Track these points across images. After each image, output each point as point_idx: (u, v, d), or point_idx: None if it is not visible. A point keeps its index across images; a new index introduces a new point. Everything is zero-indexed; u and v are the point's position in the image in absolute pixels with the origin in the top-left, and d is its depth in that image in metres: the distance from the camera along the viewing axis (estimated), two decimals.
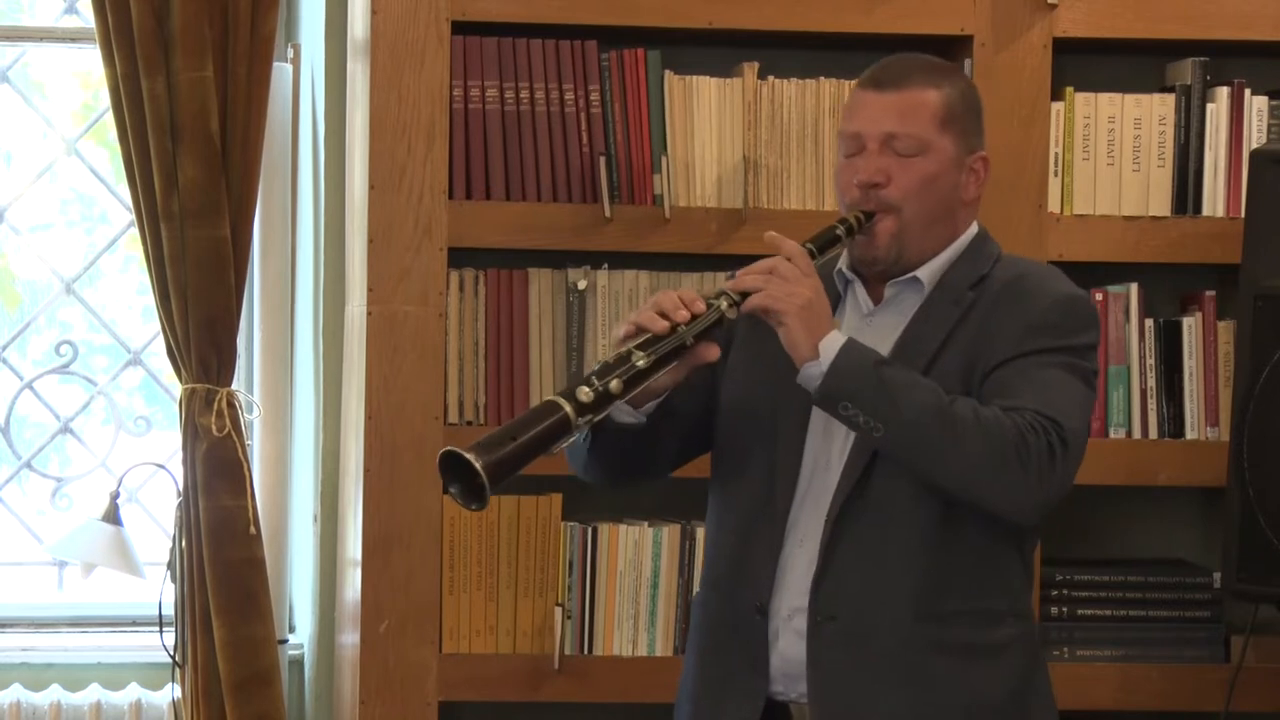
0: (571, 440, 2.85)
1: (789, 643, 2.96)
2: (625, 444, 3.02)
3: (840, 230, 2.98)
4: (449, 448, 2.78)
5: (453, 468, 2.78)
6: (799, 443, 2.99)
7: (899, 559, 2.91)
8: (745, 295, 2.90)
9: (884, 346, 2.96)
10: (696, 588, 3.84)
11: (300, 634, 4.40)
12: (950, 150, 3.00)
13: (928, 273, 3.01)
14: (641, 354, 2.86)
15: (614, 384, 2.84)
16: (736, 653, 3.00)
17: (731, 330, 3.03)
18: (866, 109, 3.00)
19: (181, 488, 4.15)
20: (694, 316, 2.88)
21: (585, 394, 2.82)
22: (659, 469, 3.15)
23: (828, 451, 2.98)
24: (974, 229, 3.07)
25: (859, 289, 3.06)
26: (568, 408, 2.81)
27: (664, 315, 2.89)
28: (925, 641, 2.91)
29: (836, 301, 3.05)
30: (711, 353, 2.92)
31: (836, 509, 2.93)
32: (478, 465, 2.74)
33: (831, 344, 2.85)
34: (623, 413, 2.97)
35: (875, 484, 2.92)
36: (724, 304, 2.90)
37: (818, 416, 2.98)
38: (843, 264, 3.06)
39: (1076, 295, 2.99)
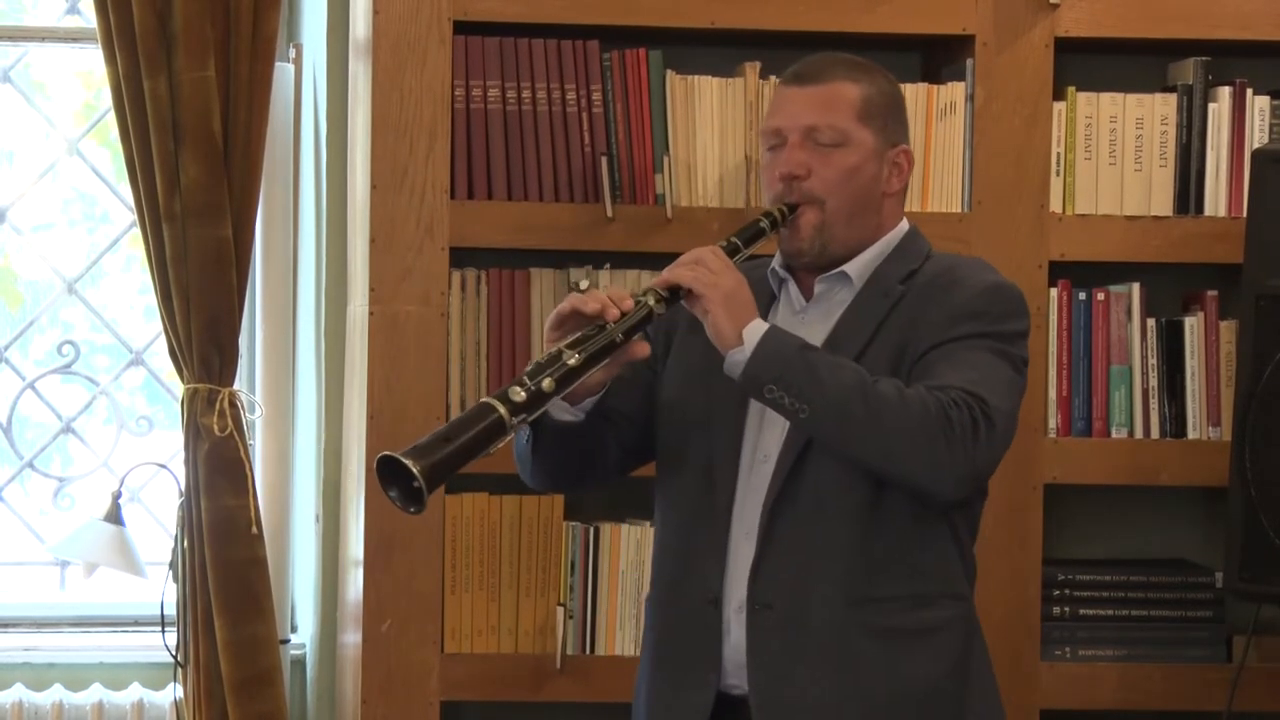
0: (508, 439, 2.87)
1: (738, 634, 3.00)
2: (568, 445, 3.06)
3: (764, 223, 3.04)
4: (386, 452, 2.79)
5: (390, 471, 2.80)
6: (737, 436, 3.03)
7: (830, 545, 2.95)
8: (672, 291, 2.95)
9: (814, 341, 2.99)
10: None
11: (302, 634, 4.40)
12: (870, 142, 3.04)
13: (856, 268, 3.05)
14: (572, 352, 2.89)
15: (546, 383, 2.87)
16: (690, 647, 3.03)
17: (670, 335, 3.09)
18: (787, 104, 3.06)
19: (183, 487, 4.15)
20: (623, 313, 2.92)
21: (518, 394, 2.85)
22: (603, 474, 3.18)
23: (766, 443, 3.02)
24: (905, 225, 3.11)
25: (792, 286, 3.10)
26: (501, 409, 2.83)
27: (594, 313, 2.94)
28: (856, 626, 2.94)
29: (771, 300, 3.10)
30: (641, 349, 2.96)
31: (772, 498, 2.97)
32: (415, 470, 2.76)
33: (755, 330, 2.89)
34: (561, 410, 3.01)
35: (809, 472, 2.96)
36: (651, 299, 2.94)
37: (754, 409, 3.03)
38: (776, 262, 3.11)
39: (1003, 284, 3.03)
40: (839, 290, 3.06)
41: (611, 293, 2.95)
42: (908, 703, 2.95)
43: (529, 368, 2.89)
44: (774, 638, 2.96)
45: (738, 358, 2.89)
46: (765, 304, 3.09)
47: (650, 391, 3.14)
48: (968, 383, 2.86)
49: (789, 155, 3.03)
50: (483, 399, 2.86)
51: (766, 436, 3.01)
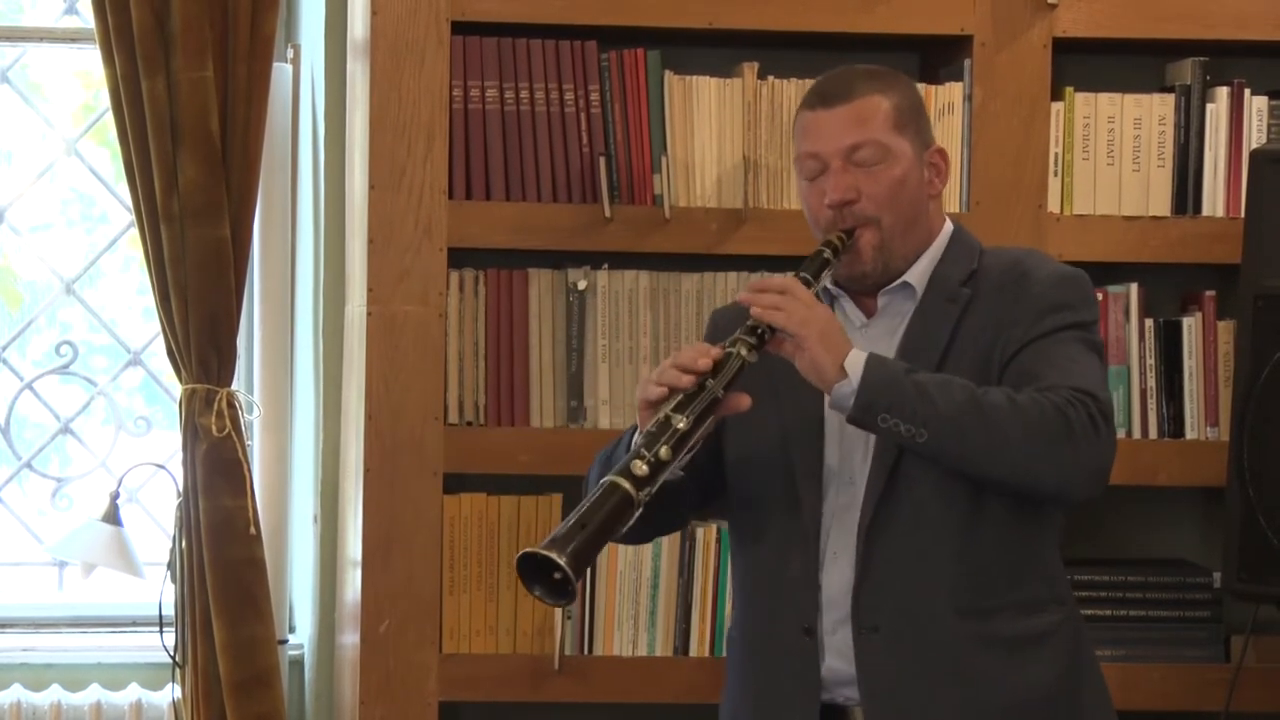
0: (637, 514, 2.82)
1: (835, 656, 2.97)
2: (665, 502, 2.98)
3: (827, 254, 2.98)
4: (526, 550, 2.75)
5: (531, 568, 2.76)
6: (817, 463, 2.99)
7: (935, 561, 2.92)
8: (760, 337, 2.88)
9: (885, 354, 2.94)
10: (707, 595, 3.88)
11: (300, 634, 4.40)
12: (909, 150, 3.00)
13: (916, 276, 3.02)
14: (680, 416, 2.84)
15: (663, 451, 2.82)
16: (787, 672, 3.00)
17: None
18: (820, 127, 3.00)
19: (181, 488, 4.15)
20: (716, 367, 2.86)
21: (640, 468, 2.80)
22: (684, 519, 3.17)
23: (849, 467, 2.98)
24: (949, 226, 3.08)
25: (847, 303, 3.06)
26: (627, 485, 2.79)
27: (687, 371, 2.87)
28: (969, 638, 2.92)
29: None
30: (741, 402, 2.89)
31: (867, 520, 2.93)
32: (561, 561, 2.71)
33: (856, 361, 2.84)
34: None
35: (901, 491, 2.92)
36: (743, 350, 2.88)
37: (831, 435, 2.99)
38: (826, 280, 3.05)
39: (1072, 271, 3.02)
40: (900, 301, 3.02)
41: (697, 348, 2.88)
42: (1024, 712, 2.93)
43: (640, 439, 2.84)
44: (885, 660, 2.92)
45: (845, 390, 2.83)
46: None
47: (717, 429, 3.05)
48: (1073, 380, 2.85)
49: (835, 181, 2.97)
50: (606, 478, 2.81)
51: (848, 459, 2.97)
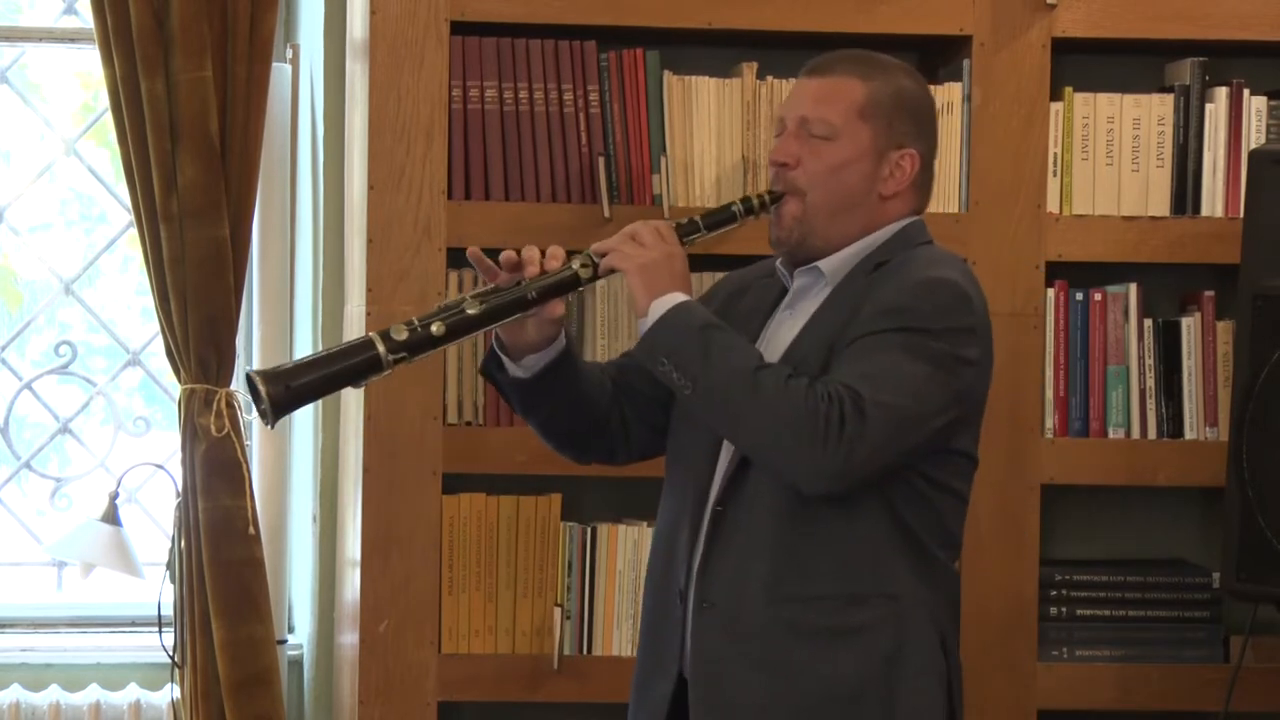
0: (383, 375, 2.87)
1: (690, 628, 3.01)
2: (549, 404, 3.06)
3: (737, 208, 3.03)
4: (249, 370, 2.83)
5: (255, 384, 2.82)
6: (719, 435, 3.00)
7: (760, 544, 2.93)
8: (597, 261, 2.96)
9: (787, 336, 2.98)
10: None
11: (299, 634, 4.40)
12: (866, 141, 2.99)
13: (831, 265, 3.01)
14: (475, 302, 2.90)
15: (435, 327, 2.87)
16: (665, 636, 3.03)
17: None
18: (795, 93, 3.06)
19: (180, 488, 4.15)
20: (545, 271, 2.93)
21: (400, 332, 2.86)
22: (623, 449, 3.17)
23: None
24: (900, 225, 3.03)
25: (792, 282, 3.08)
26: (380, 346, 2.84)
27: (517, 266, 2.95)
28: (782, 625, 2.92)
29: (781, 295, 3.07)
30: (555, 310, 2.96)
31: (716, 496, 2.97)
32: (263, 392, 2.79)
33: (666, 302, 2.90)
34: (514, 368, 3.02)
35: (749, 472, 2.94)
36: (577, 264, 2.95)
37: None
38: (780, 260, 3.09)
39: (941, 279, 2.93)
40: (817, 286, 3.02)
41: (552, 252, 2.95)
42: (833, 705, 2.91)
43: (433, 309, 2.90)
44: (715, 635, 2.95)
45: (642, 326, 2.90)
46: (776, 296, 3.07)
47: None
48: (855, 377, 2.81)
49: (781, 144, 3.02)
50: (370, 332, 2.87)
51: None
